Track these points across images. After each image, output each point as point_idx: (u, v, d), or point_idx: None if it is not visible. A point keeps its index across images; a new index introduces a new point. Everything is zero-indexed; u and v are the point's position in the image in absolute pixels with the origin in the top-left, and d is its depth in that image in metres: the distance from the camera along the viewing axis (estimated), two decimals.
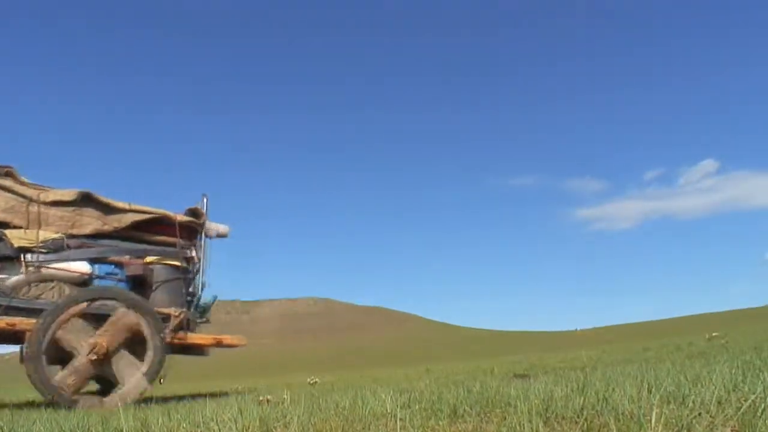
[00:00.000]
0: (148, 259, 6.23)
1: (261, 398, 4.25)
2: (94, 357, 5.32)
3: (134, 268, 6.08)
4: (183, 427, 2.61)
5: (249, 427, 2.43)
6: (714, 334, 14.86)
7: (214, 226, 6.89)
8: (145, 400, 5.15)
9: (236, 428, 2.43)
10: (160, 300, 6.12)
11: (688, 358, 7.09)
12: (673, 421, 1.86)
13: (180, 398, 6.81)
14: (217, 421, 2.57)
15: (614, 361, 9.00)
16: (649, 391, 2.47)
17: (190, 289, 6.57)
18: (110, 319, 5.48)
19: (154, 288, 6.16)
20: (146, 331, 5.59)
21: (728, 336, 13.88)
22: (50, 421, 3.22)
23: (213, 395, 6.85)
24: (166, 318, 5.98)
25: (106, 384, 6.29)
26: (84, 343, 5.36)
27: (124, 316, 5.52)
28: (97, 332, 5.43)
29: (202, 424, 2.59)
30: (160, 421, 2.78)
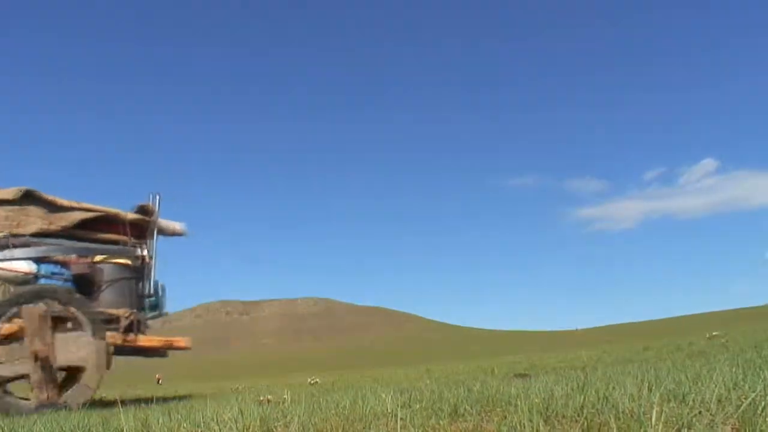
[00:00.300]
0: (97, 258, 6.06)
1: (261, 398, 4.26)
2: (42, 364, 5.18)
3: (79, 267, 5.91)
4: (184, 427, 2.61)
5: (249, 427, 2.43)
6: (714, 333, 14.90)
7: (169, 224, 6.76)
8: (145, 400, 5.15)
9: (237, 428, 2.43)
10: (108, 300, 5.94)
11: (689, 357, 7.10)
12: (674, 419, 1.87)
13: (180, 398, 6.81)
14: (217, 421, 2.57)
15: (614, 360, 9.01)
16: (650, 390, 2.47)
17: (143, 290, 6.39)
18: (23, 323, 5.29)
19: (101, 288, 5.98)
20: (60, 307, 5.43)
21: (728, 335, 13.89)
22: (50, 421, 3.23)
23: (213, 395, 6.85)
24: (114, 319, 5.78)
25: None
26: (24, 360, 5.18)
27: (31, 312, 5.31)
28: (25, 342, 5.23)
29: (202, 424, 2.59)
30: (160, 421, 2.78)
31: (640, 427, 1.77)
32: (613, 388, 2.61)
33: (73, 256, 5.98)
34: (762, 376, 2.62)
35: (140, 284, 6.38)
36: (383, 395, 3.10)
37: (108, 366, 5.61)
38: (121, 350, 5.85)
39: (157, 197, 6.65)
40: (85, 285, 5.95)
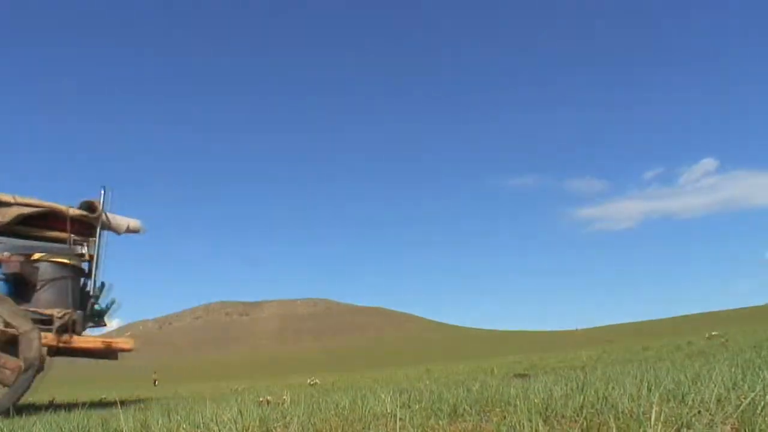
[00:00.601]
0: (36, 255, 5.77)
1: (261, 399, 4.26)
2: None
3: (11, 265, 5.57)
4: (183, 428, 2.61)
5: (249, 428, 2.43)
6: (714, 333, 14.90)
7: (121, 221, 6.47)
8: (144, 401, 5.13)
9: (236, 429, 2.42)
10: (44, 300, 5.68)
11: (688, 357, 7.10)
12: (673, 419, 1.86)
13: (180, 399, 6.80)
14: (217, 422, 2.57)
15: (614, 360, 9.00)
16: (649, 390, 2.47)
17: (84, 289, 6.12)
18: None
19: (38, 287, 5.69)
20: None
21: (728, 335, 13.89)
22: (50, 422, 3.23)
23: (213, 396, 6.85)
24: (48, 320, 5.52)
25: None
26: None
27: None
28: None
29: (202, 425, 2.59)
30: (160, 422, 2.78)
31: (640, 427, 1.77)
32: (613, 388, 2.61)
33: (6, 254, 5.65)
34: (761, 376, 2.62)
35: (81, 284, 6.13)
36: (383, 395, 3.10)
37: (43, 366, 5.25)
38: (58, 351, 5.55)
39: (104, 192, 6.36)
40: (20, 284, 5.65)
